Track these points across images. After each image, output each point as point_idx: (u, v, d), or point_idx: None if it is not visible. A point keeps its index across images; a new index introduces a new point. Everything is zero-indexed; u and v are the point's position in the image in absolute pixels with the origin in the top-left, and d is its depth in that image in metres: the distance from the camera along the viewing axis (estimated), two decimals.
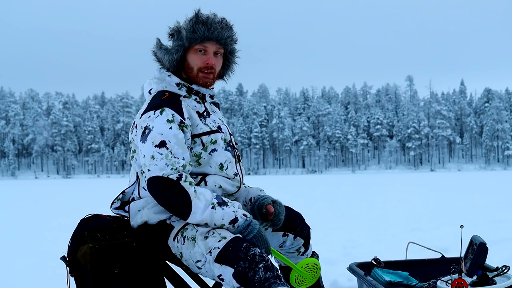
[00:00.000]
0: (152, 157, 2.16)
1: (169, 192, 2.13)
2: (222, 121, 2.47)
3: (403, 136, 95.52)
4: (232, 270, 2.03)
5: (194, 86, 2.37)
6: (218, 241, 2.10)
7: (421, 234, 6.13)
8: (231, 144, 2.44)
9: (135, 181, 2.35)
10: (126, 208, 2.36)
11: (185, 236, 2.19)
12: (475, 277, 2.30)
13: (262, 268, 2.01)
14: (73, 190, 26.19)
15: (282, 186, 24.62)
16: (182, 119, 2.24)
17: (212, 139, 2.33)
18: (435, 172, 74.02)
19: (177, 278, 2.34)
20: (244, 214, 2.18)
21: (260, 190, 2.55)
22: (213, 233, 2.15)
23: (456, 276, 2.26)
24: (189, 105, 2.33)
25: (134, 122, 2.33)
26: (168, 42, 2.37)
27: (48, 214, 11.08)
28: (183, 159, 2.19)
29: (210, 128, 2.34)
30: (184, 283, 2.33)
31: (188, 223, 2.22)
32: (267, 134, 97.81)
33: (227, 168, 2.36)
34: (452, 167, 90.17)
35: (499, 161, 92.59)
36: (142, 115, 2.27)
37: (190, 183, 2.15)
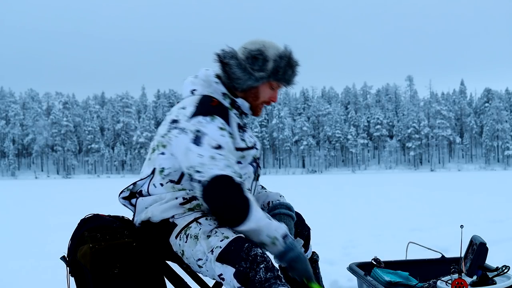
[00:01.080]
0: (213, 157, 2.13)
1: (232, 192, 2.10)
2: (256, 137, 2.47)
3: (403, 136, 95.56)
4: (233, 270, 2.04)
5: (238, 101, 2.34)
6: (221, 240, 2.11)
7: (421, 234, 6.13)
8: (257, 161, 2.43)
9: (148, 176, 2.32)
10: (133, 201, 2.36)
11: (188, 234, 2.20)
12: (475, 277, 2.30)
13: (263, 268, 2.02)
14: (73, 190, 26.19)
15: (282, 186, 24.62)
16: (230, 131, 2.23)
17: (243, 155, 2.31)
18: (435, 172, 74.03)
19: (177, 278, 2.34)
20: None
21: (280, 196, 2.56)
22: (216, 232, 2.16)
23: (456, 276, 2.26)
24: (233, 117, 2.30)
25: (175, 121, 2.25)
26: (240, 55, 2.30)
27: (48, 214, 11.07)
28: (237, 165, 2.20)
29: (246, 145, 2.32)
30: (184, 283, 2.33)
31: (192, 222, 2.22)
32: (267, 134, 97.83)
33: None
34: (452, 167, 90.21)
35: (499, 161, 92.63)
36: (190, 118, 2.20)
37: (249, 193, 2.16)
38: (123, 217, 2.40)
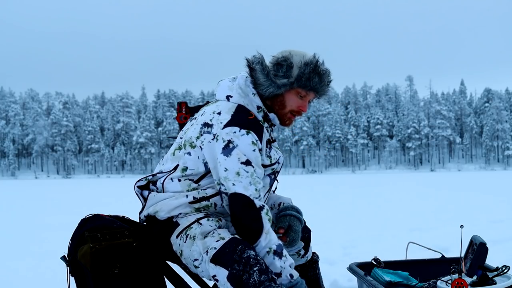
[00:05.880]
0: (238, 173, 2.17)
1: (248, 214, 2.14)
2: (279, 148, 2.46)
3: (403, 136, 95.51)
4: (227, 272, 2.04)
5: (271, 116, 2.35)
6: (216, 241, 2.11)
7: (421, 234, 6.14)
8: (276, 174, 2.44)
9: (169, 171, 2.32)
10: (144, 194, 2.37)
11: (188, 234, 2.20)
12: (475, 277, 2.30)
13: (257, 271, 2.02)
14: (73, 190, 26.19)
15: (282, 186, 24.54)
16: (260, 148, 2.26)
17: (265, 171, 2.33)
18: (435, 172, 74.00)
19: (177, 278, 2.34)
20: (290, 274, 2.14)
21: (291, 201, 2.60)
22: (213, 233, 2.16)
23: (456, 276, 2.26)
24: (265, 134, 2.32)
25: (208, 125, 2.25)
26: (266, 62, 2.32)
27: (48, 214, 11.08)
28: (260, 182, 2.22)
29: (271, 162, 2.35)
30: (184, 283, 2.34)
31: (193, 222, 2.22)
32: None
33: None
34: (452, 167, 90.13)
35: (499, 161, 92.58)
36: (225, 126, 2.21)
37: (269, 219, 2.18)
38: (123, 217, 2.40)
